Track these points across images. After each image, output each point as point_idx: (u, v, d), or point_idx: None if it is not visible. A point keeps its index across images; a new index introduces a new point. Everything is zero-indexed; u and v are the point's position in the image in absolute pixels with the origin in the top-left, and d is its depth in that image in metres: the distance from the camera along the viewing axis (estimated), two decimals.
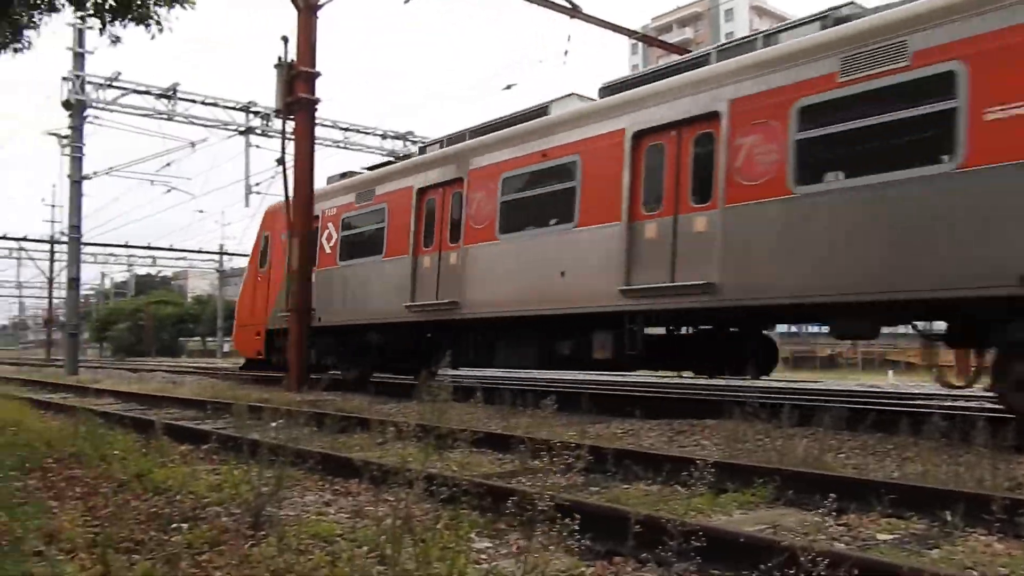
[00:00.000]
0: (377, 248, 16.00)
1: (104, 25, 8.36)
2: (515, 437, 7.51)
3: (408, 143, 32.22)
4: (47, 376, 23.12)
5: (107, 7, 8.24)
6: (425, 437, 5.59)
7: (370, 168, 18.23)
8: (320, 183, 18.40)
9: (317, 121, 17.90)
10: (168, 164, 35.23)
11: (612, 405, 11.76)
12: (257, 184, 42.69)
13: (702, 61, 11.09)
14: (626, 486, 6.18)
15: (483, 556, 4.07)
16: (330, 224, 17.59)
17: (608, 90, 12.32)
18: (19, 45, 8.61)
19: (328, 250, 17.44)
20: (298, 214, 16.99)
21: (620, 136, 11.35)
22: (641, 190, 11.12)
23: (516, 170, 13.07)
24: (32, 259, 55.29)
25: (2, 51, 8.62)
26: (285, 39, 17.23)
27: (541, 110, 13.47)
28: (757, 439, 7.91)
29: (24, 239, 55.55)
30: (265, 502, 4.95)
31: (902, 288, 8.16)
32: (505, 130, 13.70)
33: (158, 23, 8.37)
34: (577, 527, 3.32)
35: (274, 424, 7.97)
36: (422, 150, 16.63)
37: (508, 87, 62.50)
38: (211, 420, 11.64)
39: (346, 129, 31.30)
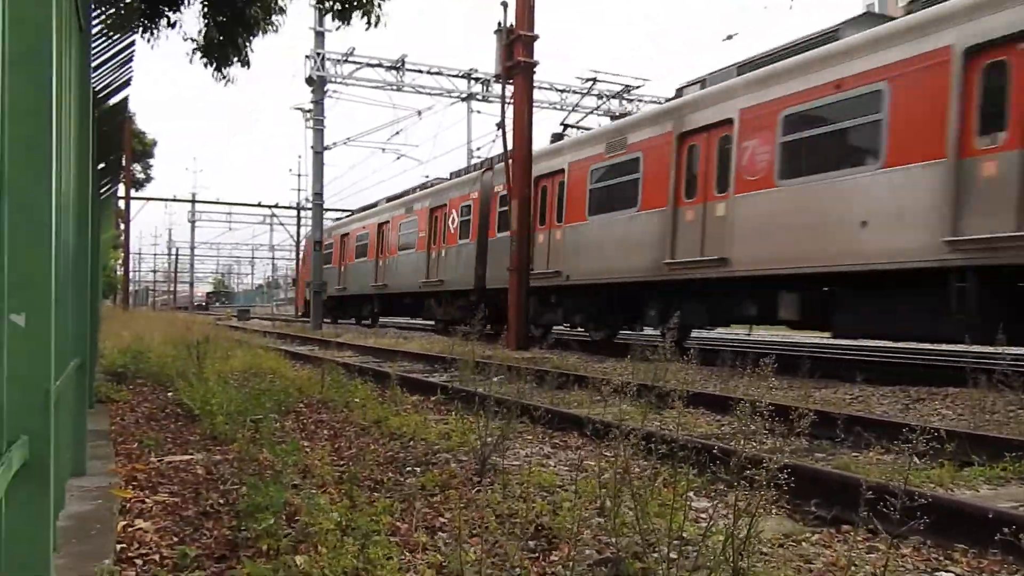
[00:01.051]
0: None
1: (335, 19, 9.07)
2: (733, 398, 7.34)
3: (624, 101, 31.91)
4: (296, 331, 25.52)
5: (335, 8, 8.96)
6: (643, 395, 5.60)
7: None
8: (539, 144, 18.88)
9: (535, 84, 18.16)
10: (397, 132, 37.36)
11: (836, 369, 11.15)
12: (478, 149, 44.16)
13: None
14: (855, 454, 5.88)
15: (702, 516, 4.04)
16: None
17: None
18: (270, 27, 9.45)
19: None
20: (517, 176, 17.39)
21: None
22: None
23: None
24: (282, 224, 60.78)
25: (256, 34, 9.50)
26: (504, 4, 17.56)
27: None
28: (1009, 410, 7.21)
29: (275, 206, 61.16)
30: (490, 451, 5.19)
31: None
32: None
33: (377, 17, 8.98)
34: (802, 492, 3.20)
35: (496, 379, 8.32)
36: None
37: (728, 37, 59.83)
38: (438, 373, 12.36)
39: (563, 91, 31.53)
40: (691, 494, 4.16)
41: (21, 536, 1.78)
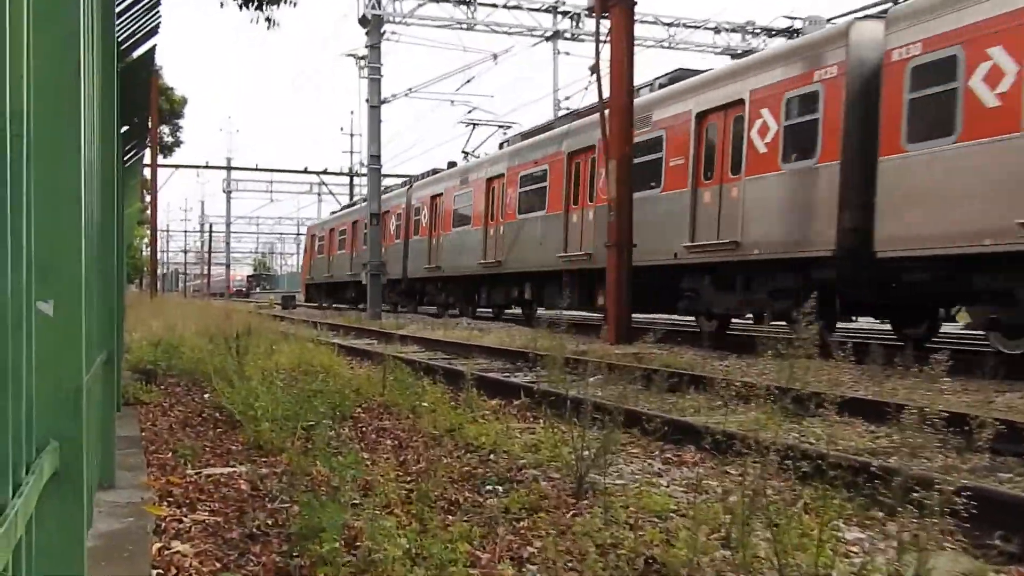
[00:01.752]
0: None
1: None
2: (892, 404, 7.17)
3: (747, 35, 31.32)
4: (351, 320, 26.11)
5: None
6: (777, 400, 5.53)
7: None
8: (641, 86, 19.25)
9: (636, 17, 17.99)
10: (468, 81, 37.56)
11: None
12: (567, 97, 44.02)
13: None
14: None
15: (853, 549, 3.97)
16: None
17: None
18: None
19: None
20: (616, 130, 17.30)
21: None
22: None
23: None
24: (332, 193, 62.00)
25: None
26: None
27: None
28: None
29: (324, 172, 62.41)
30: (588, 468, 5.20)
31: None
32: None
33: None
34: (983, 521, 3.11)
35: (592, 379, 8.32)
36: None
37: None
38: (522, 372, 12.45)
39: (670, 24, 31.07)
40: (841, 523, 4.09)
41: (50, 557, 1.87)
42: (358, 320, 26.76)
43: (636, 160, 17.32)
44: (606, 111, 17.66)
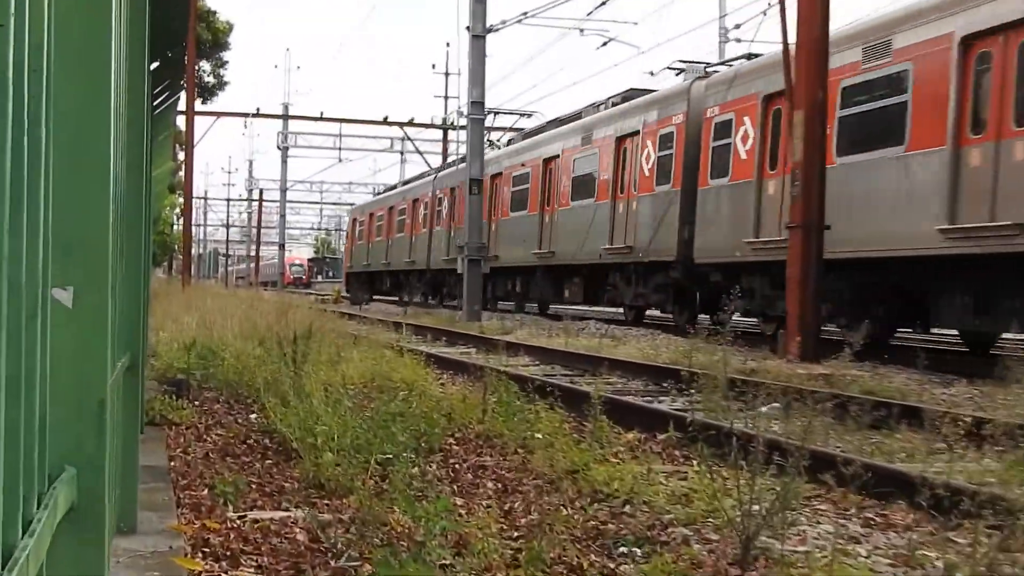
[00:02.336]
0: None
1: None
2: None
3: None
4: (441, 323, 26.41)
5: None
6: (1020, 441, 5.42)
7: None
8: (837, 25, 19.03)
9: None
10: (603, 3, 37.41)
11: None
12: (736, 26, 43.57)
13: None
14: None
15: None
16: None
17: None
18: None
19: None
20: (805, 71, 17.10)
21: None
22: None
23: None
24: (419, 151, 62.77)
25: None
26: None
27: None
28: None
29: (409, 123, 63.11)
30: (758, 527, 5.18)
31: None
32: None
33: None
34: None
35: (765, 409, 8.28)
36: None
37: None
38: (668, 396, 12.40)
39: None
40: None
41: None
42: (450, 321, 27.02)
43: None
44: (793, 48, 17.47)
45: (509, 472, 7.28)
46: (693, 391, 11.12)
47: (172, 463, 7.26)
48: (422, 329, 21.64)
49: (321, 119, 66.96)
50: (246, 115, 64.30)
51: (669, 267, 25.04)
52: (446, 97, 70.65)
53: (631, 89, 29.91)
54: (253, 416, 9.42)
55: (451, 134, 62.29)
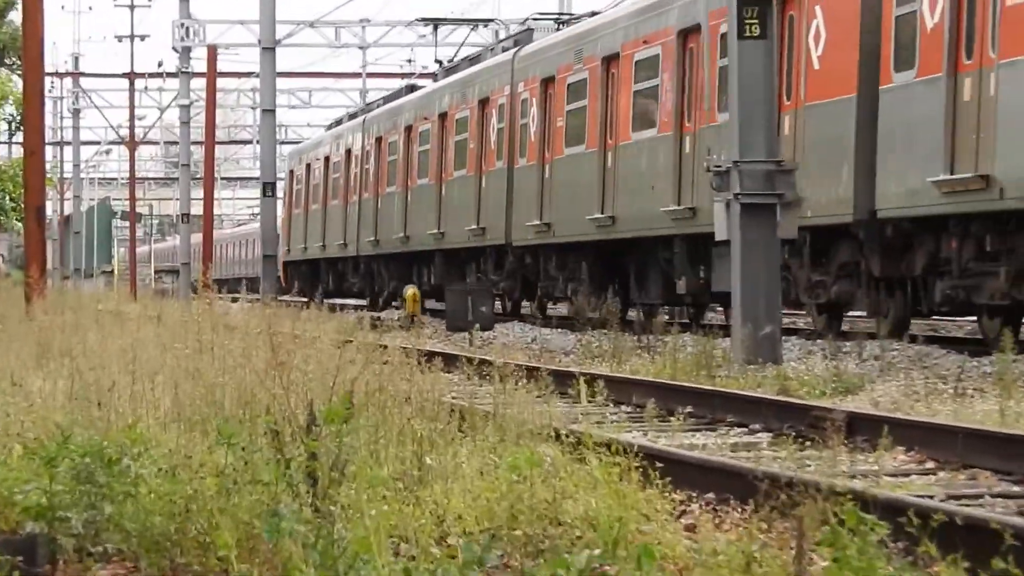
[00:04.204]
0: None
1: None
2: None
3: None
4: (660, 370, 15.25)
5: None
6: None
7: None
8: None
9: None
10: None
11: None
12: None
13: None
14: None
15: None
16: None
17: None
18: None
19: None
20: None
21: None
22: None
23: None
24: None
25: None
26: None
27: None
28: None
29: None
30: None
31: None
32: None
33: None
34: None
35: None
36: None
37: None
38: None
39: None
40: None
41: None
42: (684, 369, 14.67)
43: None
44: None
45: None
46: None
47: None
48: (620, 386, 12.38)
49: None
50: None
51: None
52: None
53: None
54: None
55: None
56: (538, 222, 27.33)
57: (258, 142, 54.26)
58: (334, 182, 42.71)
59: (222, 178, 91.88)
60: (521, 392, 6.59)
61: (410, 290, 30.80)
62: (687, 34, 22.00)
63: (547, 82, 27.69)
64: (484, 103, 31.00)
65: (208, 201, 45.10)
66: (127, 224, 74.35)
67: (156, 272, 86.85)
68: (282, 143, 63.04)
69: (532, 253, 29.26)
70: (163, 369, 7.07)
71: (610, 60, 24.90)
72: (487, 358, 7.79)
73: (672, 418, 9.29)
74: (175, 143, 71.82)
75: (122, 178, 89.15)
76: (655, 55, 23.01)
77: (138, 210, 72.35)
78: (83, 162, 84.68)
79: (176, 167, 68.72)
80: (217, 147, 50.32)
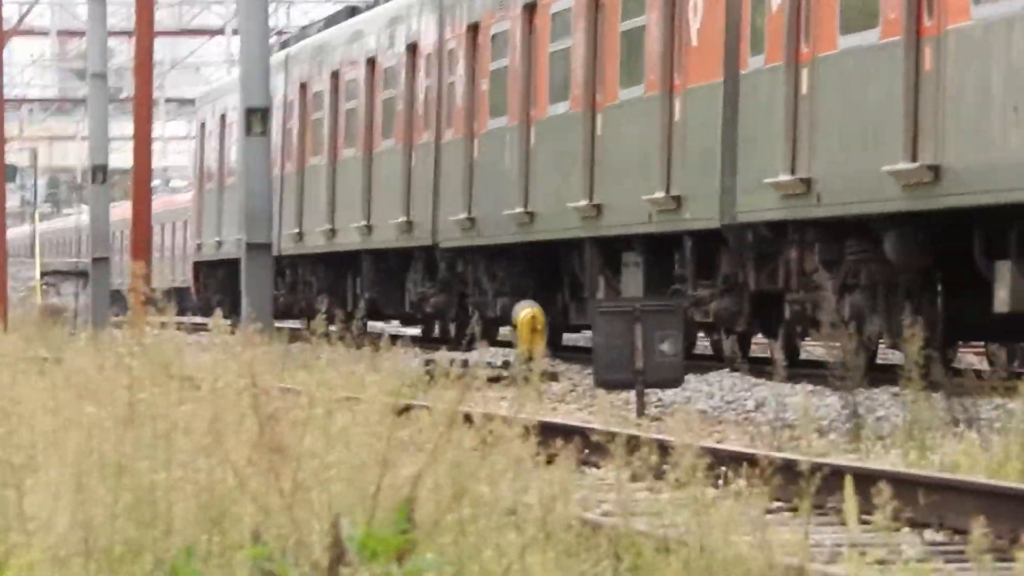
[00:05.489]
0: None
1: None
2: None
3: None
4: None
5: None
6: None
7: None
8: None
9: None
10: None
11: None
12: None
13: None
14: None
15: None
16: None
17: None
18: None
19: None
20: None
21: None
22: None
23: None
24: None
25: None
26: None
27: None
28: None
29: None
30: None
31: None
32: None
33: None
34: None
35: None
36: None
37: None
38: None
39: None
40: None
41: None
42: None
43: None
44: None
45: None
46: None
47: None
48: (921, 491, 6.49)
49: None
50: None
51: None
52: None
53: None
54: None
55: None
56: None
57: (236, 32, 31.12)
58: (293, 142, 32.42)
59: (168, 100, 56.53)
60: (730, 505, 3.57)
61: (525, 311, 20.50)
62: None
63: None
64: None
65: (143, 142, 26.43)
66: None
67: (44, 275, 48.01)
68: (279, 35, 40.07)
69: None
70: (59, 457, 3.93)
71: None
72: (669, 439, 4.72)
73: None
74: (78, 33, 45.87)
75: None
76: None
77: (10, 160, 45.95)
78: None
79: (81, 79, 46.10)
80: (160, 41, 32.70)
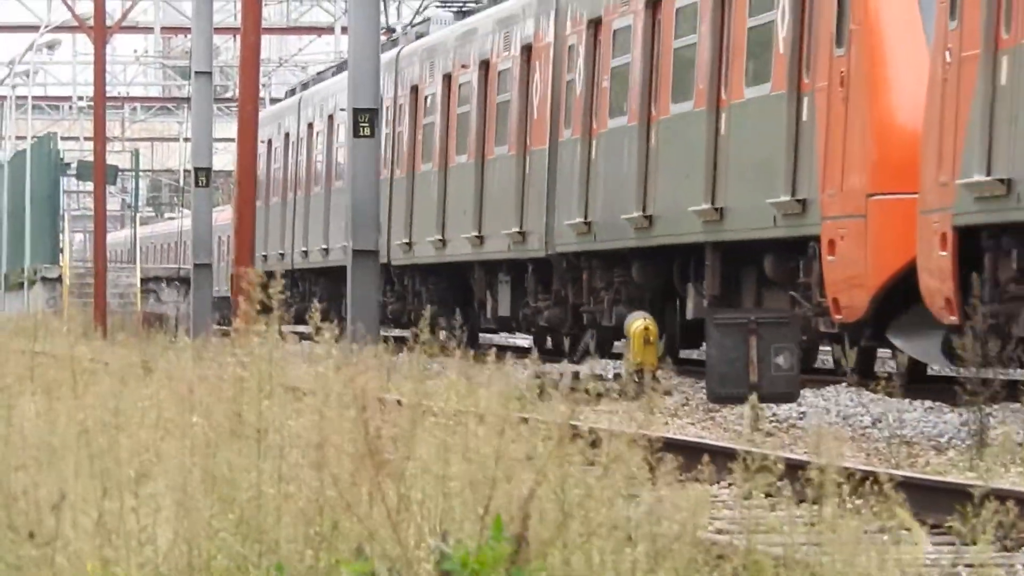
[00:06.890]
0: None
1: None
2: None
3: None
4: None
5: None
6: None
7: None
8: None
9: None
10: None
11: None
12: None
13: None
14: None
15: None
16: None
17: None
18: None
19: None
20: None
21: None
22: None
23: None
24: None
25: None
26: None
27: None
28: None
29: None
30: None
31: None
32: None
33: None
34: None
35: None
36: None
37: None
38: None
39: None
40: None
41: None
42: None
43: None
44: None
45: None
46: None
47: None
48: None
49: None
50: None
51: None
52: None
53: None
54: None
55: None
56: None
57: (345, 30, 31.56)
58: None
59: (273, 100, 50.10)
60: (850, 521, 3.36)
61: (637, 322, 19.77)
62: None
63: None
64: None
65: (247, 144, 25.89)
66: (89, 188, 43.75)
67: (144, 281, 46.21)
68: (388, 31, 35.45)
69: None
70: (159, 470, 3.84)
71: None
72: (793, 457, 4.44)
73: None
74: (182, 30, 44.11)
75: (81, 98, 54.97)
76: None
77: (111, 161, 42.71)
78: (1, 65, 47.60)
79: (184, 77, 44.48)
80: (268, 40, 32.99)
